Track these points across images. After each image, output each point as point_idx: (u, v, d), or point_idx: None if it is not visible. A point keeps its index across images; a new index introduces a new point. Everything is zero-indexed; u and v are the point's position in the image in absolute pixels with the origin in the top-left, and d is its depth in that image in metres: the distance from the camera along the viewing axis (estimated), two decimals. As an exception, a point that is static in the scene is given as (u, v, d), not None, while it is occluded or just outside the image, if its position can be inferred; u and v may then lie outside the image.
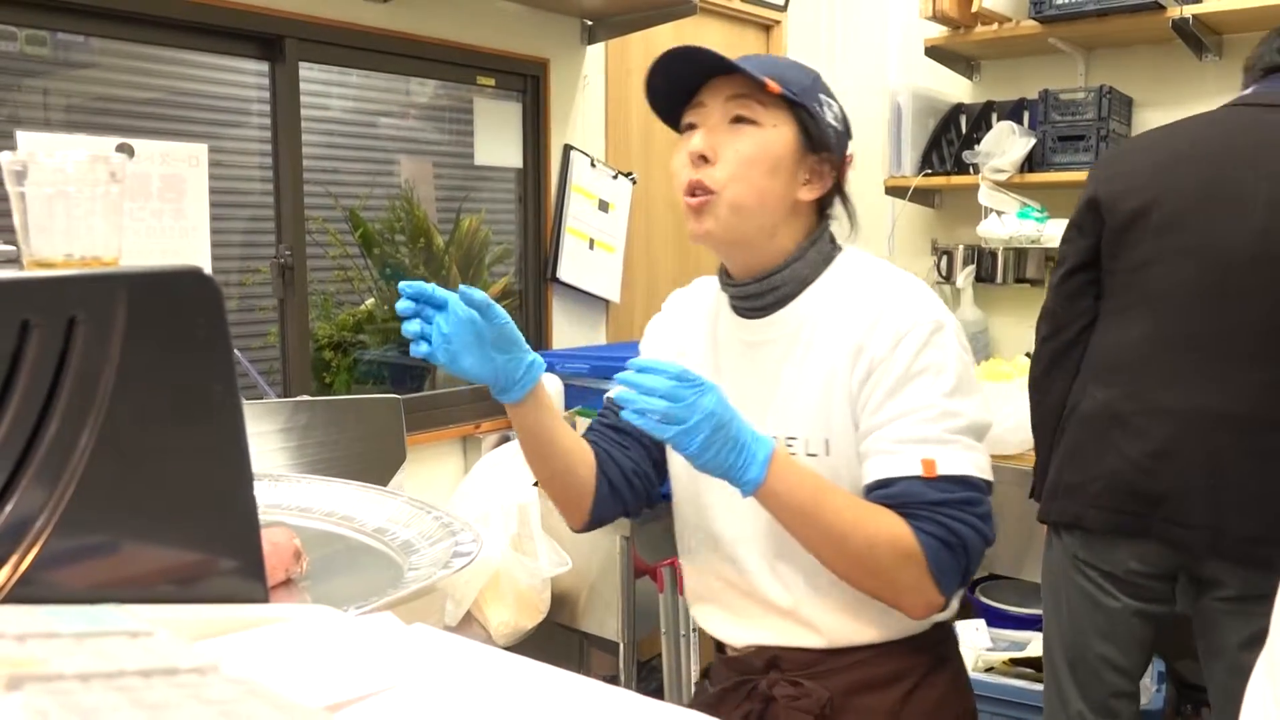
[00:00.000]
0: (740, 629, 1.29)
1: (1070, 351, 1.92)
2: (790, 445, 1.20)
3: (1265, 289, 1.73)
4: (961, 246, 3.27)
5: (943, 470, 1.12)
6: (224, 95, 2.33)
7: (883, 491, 1.13)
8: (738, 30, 3.45)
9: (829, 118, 1.21)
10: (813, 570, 1.19)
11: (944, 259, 3.31)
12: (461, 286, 1.13)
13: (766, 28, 3.54)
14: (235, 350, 0.73)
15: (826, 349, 1.19)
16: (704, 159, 1.17)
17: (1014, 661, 2.47)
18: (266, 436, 1.90)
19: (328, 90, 2.55)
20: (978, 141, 3.09)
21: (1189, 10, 2.68)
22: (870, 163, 3.50)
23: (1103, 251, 1.88)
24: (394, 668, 0.55)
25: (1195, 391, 1.76)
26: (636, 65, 3.08)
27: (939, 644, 1.27)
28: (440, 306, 1.12)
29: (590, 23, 2.91)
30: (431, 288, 1.13)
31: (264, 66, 2.31)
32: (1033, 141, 2.96)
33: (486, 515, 2.31)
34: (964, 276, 3.24)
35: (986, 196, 3.00)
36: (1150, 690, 2.38)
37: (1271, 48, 1.91)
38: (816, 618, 1.22)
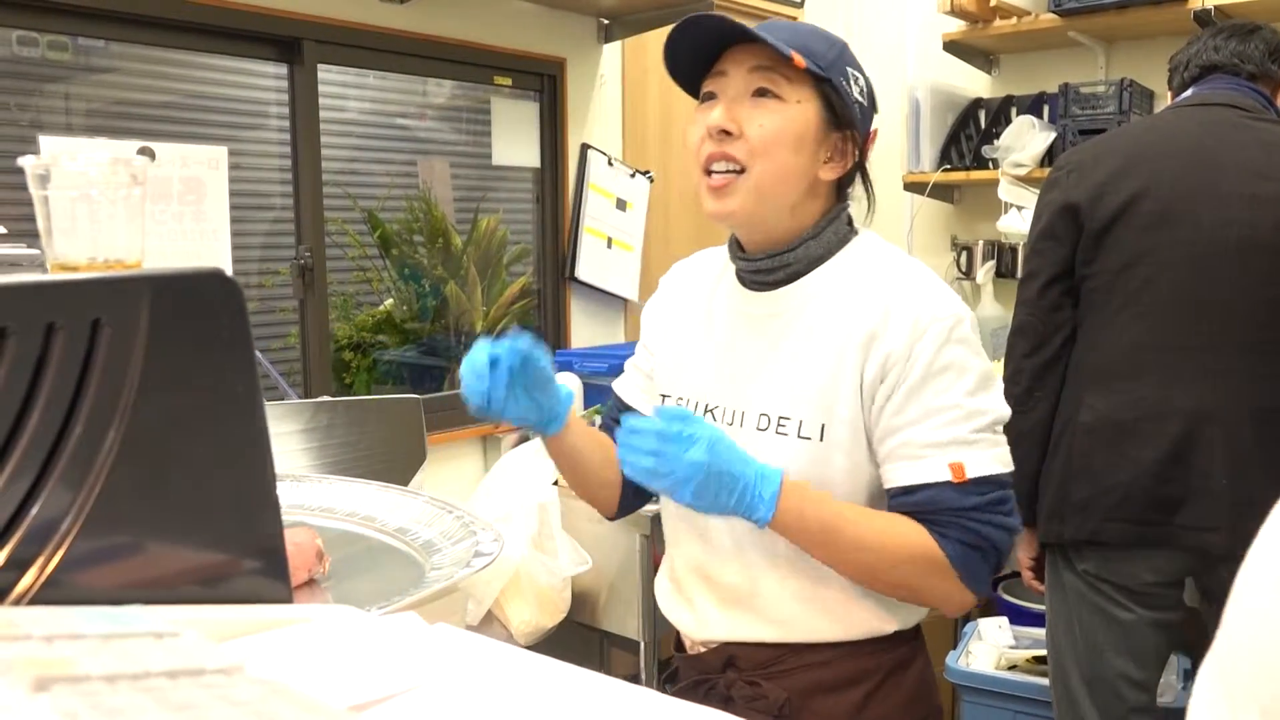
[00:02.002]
0: (697, 619, 1.26)
1: (1054, 365, 1.86)
2: (782, 425, 1.16)
3: (1255, 280, 1.72)
4: (981, 242, 3.25)
5: (971, 473, 1.09)
6: (243, 98, 2.34)
7: (908, 498, 1.10)
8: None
9: (855, 93, 1.16)
10: (776, 558, 1.17)
11: (964, 254, 3.29)
12: (511, 336, 1.14)
13: (783, 24, 3.53)
14: (256, 351, 0.73)
15: (834, 332, 1.15)
16: (726, 133, 1.12)
17: (1037, 659, 2.45)
18: (288, 437, 1.91)
19: (346, 92, 2.56)
20: (997, 136, 3.07)
21: (1210, 1, 2.65)
22: (889, 158, 3.49)
23: (1078, 258, 1.83)
24: (418, 668, 0.55)
25: (1198, 390, 1.74)
26: (653, 64, 3.07)
27: (903, 645, 1.22)
28: (492, 363, 1.13)
29: (607, 21, 2.91)
30: (488, 351, 1.12)
31: (282, 69, 2.32)
32: (1053, 135, 2.94)
33: (507, 515, 2.31)
34: (984, 272, 3.22)
35: (1006, 191, 2.98)
36: (1176, 688, 2.36)
37: (1207, 47, 1.91)
38: (773, 608, 1.19)
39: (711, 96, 1.16)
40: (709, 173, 1.14)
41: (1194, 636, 1.97)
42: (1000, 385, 1.16)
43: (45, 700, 0.41)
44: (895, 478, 1.12)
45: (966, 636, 2.59)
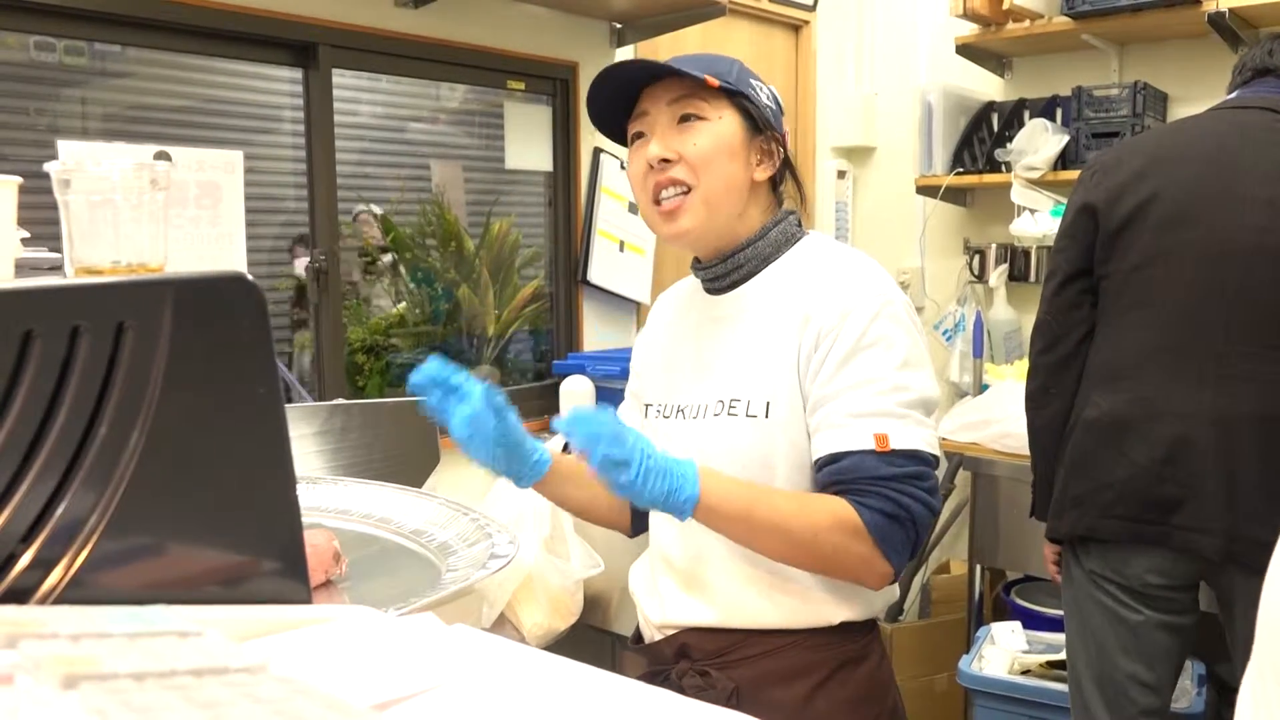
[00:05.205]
0: (660, 604, 1.31)
1: (1069, 364, 1.87)
2: (733, 407, 1.22)
3: (1266, 285, 1.71)
4: (994, 245, 3.25)
5: (895, 445, 1.13)
6: (258, 102, 2.35)
7: (833, 466, 1.15)
8: (766, 31, 3.44)
9: (764, 99, 1.26)
10: (729, 544, 1.20)
11: (976, 258, 3.28)
12: (487, 385, 1.15)
13: (795, 28, 3.53)
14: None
15: (779, 317, 1.22)
16: (666, 161, 1.22)
17: (1050, 664, 2.44)
18: (303, 440, 1.92)
19: (359, 96, 2.58)
20: (1010, 139, 3.07)
21: (1224, 4, 2.65)
22: (901, 162, 3.49)
23: (1095, 257, 1.84)
24: (438, 667, 0.55)
25: (1198, 393, 1.73)
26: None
27: (854, 641, 1.25)
28: (455, 391, 1.14)
29: (619, 25, 2.92)
30: (450, 374, 1.14)
31: (297, 73, 2.34)
32: (1066, 139, 2.93)
33: (519, 517, 2.31)
34: (997, 275, 3.22)
35: (1019, 195, 2.98)
36: (1190, 693, 2.35)
37: (1263, 50, 1.90)
38: (725, 592, 1.23)
39: (640, 135, 1.26)
40: (658, 201, 1.23)
41: (1209, 641, 1.96)
42: (930, 368, 1.22)
43: (74, 698, 0.41)
44: (822, 447, 1.17)
45: (979, 641, 2.59)
